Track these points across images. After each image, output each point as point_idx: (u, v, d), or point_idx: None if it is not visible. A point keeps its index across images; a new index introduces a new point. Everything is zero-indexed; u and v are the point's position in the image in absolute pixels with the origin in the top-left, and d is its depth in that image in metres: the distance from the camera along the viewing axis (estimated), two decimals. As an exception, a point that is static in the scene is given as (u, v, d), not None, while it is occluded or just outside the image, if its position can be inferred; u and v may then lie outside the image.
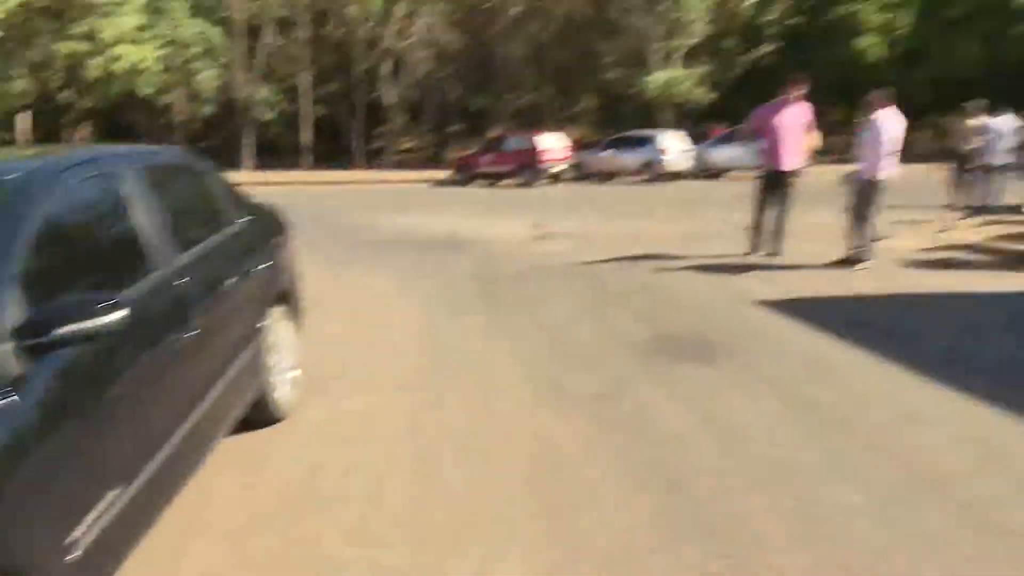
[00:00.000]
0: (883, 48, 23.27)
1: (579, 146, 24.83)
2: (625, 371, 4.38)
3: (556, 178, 22.41)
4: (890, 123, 7.12)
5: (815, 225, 9.10)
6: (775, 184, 7.78)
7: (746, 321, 5.45)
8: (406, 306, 6.29)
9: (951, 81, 24.19)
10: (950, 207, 12.16)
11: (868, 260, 7.23)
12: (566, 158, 22.96)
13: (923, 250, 8.41)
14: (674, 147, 22.26)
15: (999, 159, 11.30)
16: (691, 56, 26.90)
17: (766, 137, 7.75)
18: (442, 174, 25.65)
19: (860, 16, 23.01)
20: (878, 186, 7.11)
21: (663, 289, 6.64)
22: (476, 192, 20.57)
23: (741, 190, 8.40)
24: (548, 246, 9.51)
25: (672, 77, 25.67)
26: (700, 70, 25.86)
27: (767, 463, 3.12)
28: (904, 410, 3.69)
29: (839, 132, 32.26)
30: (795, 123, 7.71)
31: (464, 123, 38.65)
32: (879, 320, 5.43)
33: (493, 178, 22.94)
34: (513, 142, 23.25)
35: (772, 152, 7.73)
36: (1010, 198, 11.35)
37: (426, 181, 24.63)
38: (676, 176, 22.16)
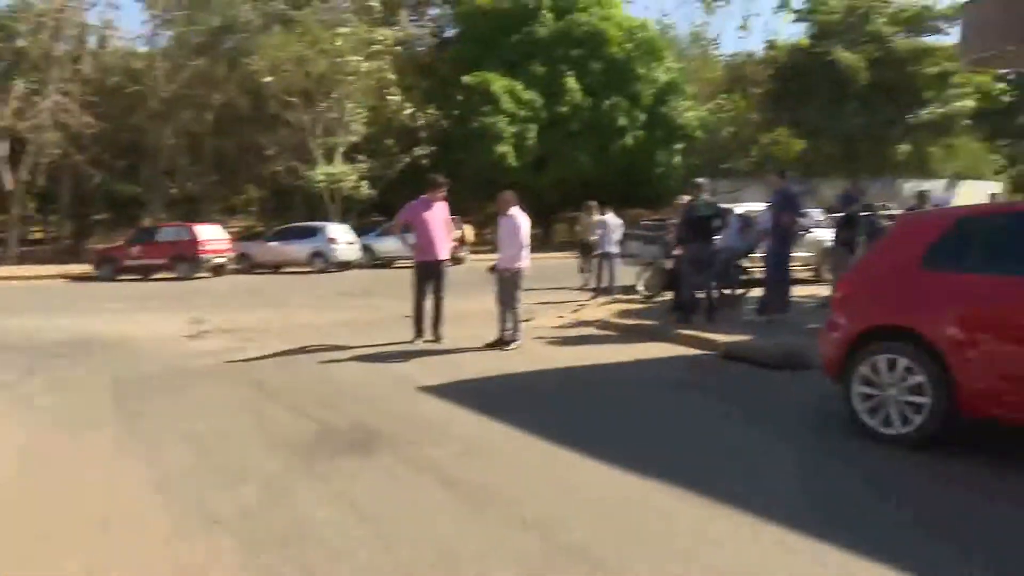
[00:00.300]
0: (519, 155, 26.66)
1: (245, 237, 23.74)
2: (281, 476, 4.05)
3: (218, 270, 20.99)
4: (523, 219, 8.00)
5: (471, 311, 9.76)
6: (429, 274, 8.22)
7: (410, 408, 5.50)
8: (10, 427, 5.14)
9: (574, 183, 28.62)
10: (581, 288, 14.15)
11: (517, 340, 7.90)
12: (228, 249, 21.71)
13: (562, 327, 9.52)
14: (343, 237, 22.49)
15: (613, 248, 13.37)
16: (354, 152, 27.78)
17: (417, 231, 8.19)
18: (82, 268, 22.34)
19: (498, 127, 26.15)
20: (519, 275, 7.88)
21: (328, 382, 6.44)
22: (123, 288, 18.24)
23: (408, 278, 8.68)
24: (205, 343, 8.70)
25: (334, 172, 26.18)
26: (361, 167, 26.78)
27: (427, 557, 3.06)
28: (557, 484, 3.96)
29: (492, 226, 36.05)
30: (440, 218, 8.29)
31: (111, 212, 34.55)
32: (530, 396, 5.90)
33: (144, 272, 20.65)
34: (167, 232, 21.32)
35: (424, 245, 8.18)
36: (624, 280, 13.55)
37: (63, 276, 21.20)
38: (346, 266, 22.31)
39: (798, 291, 9.94)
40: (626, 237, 15.03)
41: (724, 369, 7.06)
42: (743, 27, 34.14)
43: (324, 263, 21.83)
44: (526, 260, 7.94)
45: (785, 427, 4.93)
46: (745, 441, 4.63)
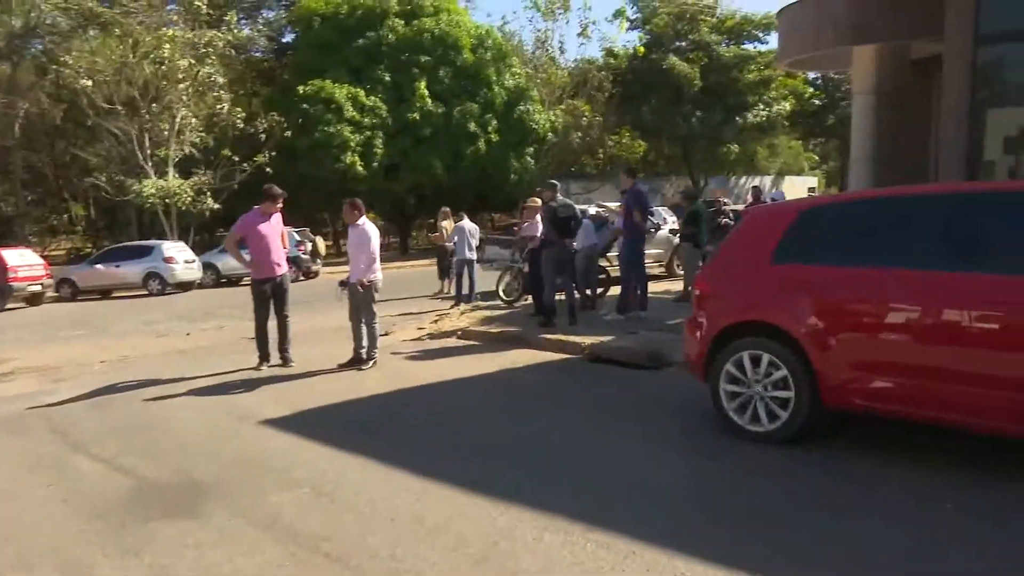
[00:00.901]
0: (367, 163, 25.85)
1: (71, 260, 21.24)
2: (81, 553, 3.32)
3: (34, 299, 18.61)
4: (372, 229, 7.49)
5: (325, 327, 9.09)
6: (270, 291, 7.50)
7: (250, 449, 4.84)
8: None
9: (428, 189, 28.18)
10: (439, 296, 13.76)
11: (374, 358, 7.36)
12: (45, 275, 19.31)
13: (421, 340, 9.07)
14: (180, 256, 20.69)
15: (471, 255, 13.08)
16: (190, 164, 25.76)
17: (252, 246, 7.44)
18: None
19: (341, 136, 25.22)
20: (372, 287, 7.36)
21: (151, 426, 5.58)
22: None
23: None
24: (5, 387, 7.44)
25: (167, 186, 24.13)
26: (199, 179, 24.89)
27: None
28: (417, 527, 3.52)
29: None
30: (276, 231, 7.61)
31: None
32: (387, 422, 5.40)
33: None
34: (-37, 261, 18.58)
35: (262, 260, 7.45)
36: (485, 286, 13.30)
37: None
38: (187, 287, 20.56)
39: (652, 287, 10.07)
40: (483, 242, 14.83)
41: (590, 372, 6.92)
42: (583, 34, 35.51)
43: (161, 285, 19.96)
44: (378, 271, 7.43)
45: (653, 429, 4.78)
46: (614, 449, 4.42)
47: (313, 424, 5.29)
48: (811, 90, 41.77)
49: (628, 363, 7.08)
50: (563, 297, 9.22)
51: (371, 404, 5.93)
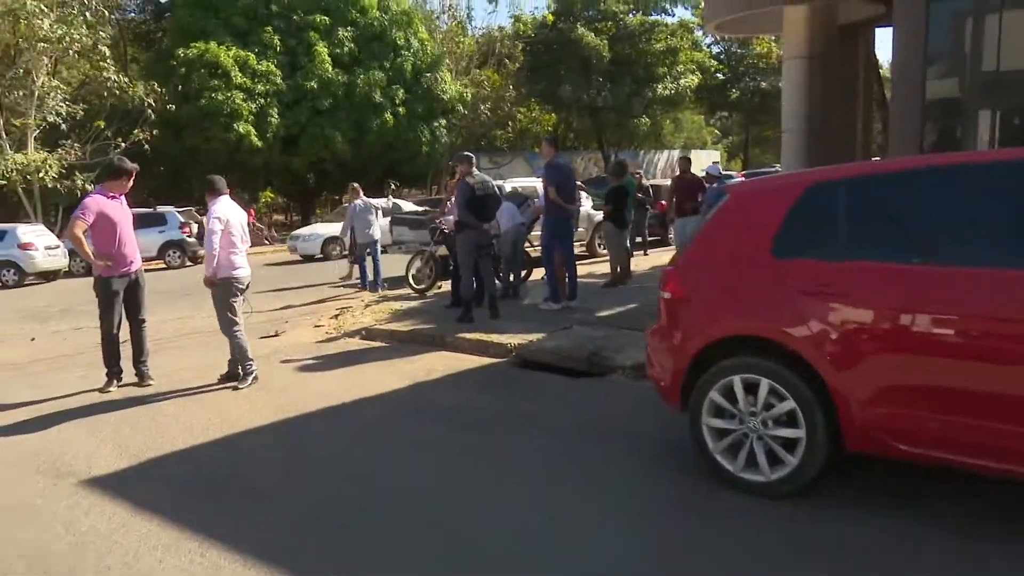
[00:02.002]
0: (262, 134, 23.67)
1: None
2: None
3: None
4: (233, 212, 6.01)
5: (204, 329, 7.60)
6: (120, 292, 5.98)
7: (43, 538, 3.44)
8: None
9: (331, 164, 26.24)
10: (348, 283, 12.31)
11: (250, 372, 5.96)
12: None
13: (319, 343, 7.72)
14: (41, 242, 18.14)
15: (372, 234, 11.63)
16: (56, 137, 22.84)
17: (100, 236, 5.87)
18: None
19: (232, 104, 22.91)
20: (230, 286, 5.91)
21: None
22: None
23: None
24: None
25: (27, 161, 21.24)
26: (64, 152, 22.08)
27: None
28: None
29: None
30: (128, 216, 6.09)
31: None
32: (255, 474, 4.10)
33: None
34: None
35: (113, 253, 5.90)
36: (393, 271, 11.98)
37: None
38: (51, 276, 18.10)
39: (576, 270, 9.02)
40: (392, 222, 13.48)
41: (519, 381, 5.81)
42: (492, 1, 34.04)
43: (17, 276, 17.44)
44: (239, 266, 5.96)
45: (609, 474, 3.72)
46: (563, 509, 3.33)
47: (152, 485, 3.92)
48: (715, 63, 41.94)
49: (563, 369, 6.04)
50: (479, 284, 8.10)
51: (236, 446, 4.52)
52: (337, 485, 3.79)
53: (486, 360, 6.47)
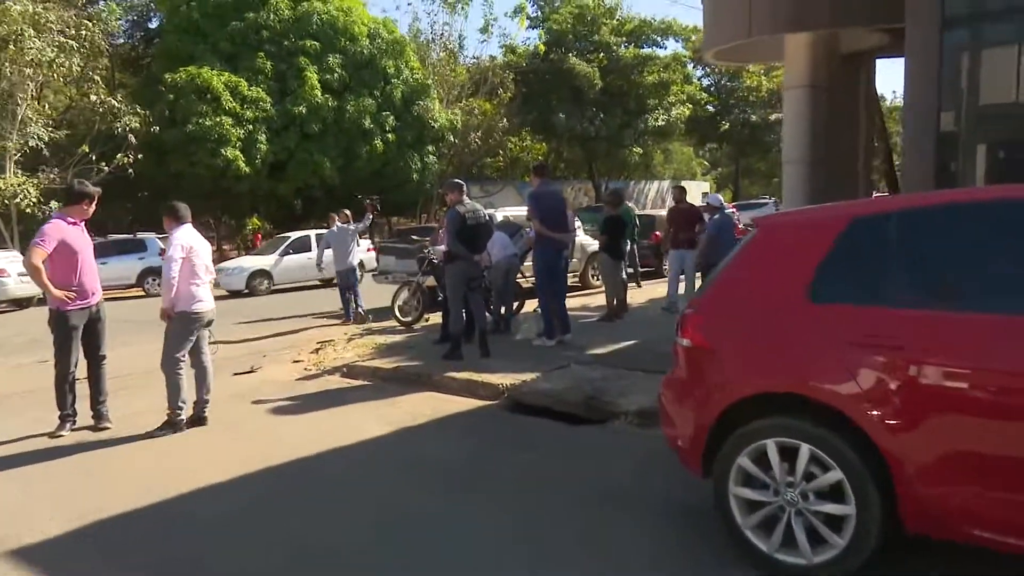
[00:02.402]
0: (250, 160, 23.25)
1: None
2: None
3: None
4: (197, 241, 5.54)
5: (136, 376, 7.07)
6: (79, 325, 5.46)
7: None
8: None
9: (316, 190, 25.82)
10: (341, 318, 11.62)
11: (176, 423, 5.37)
12: None
13: (296, 381, 7.20)
14: (13, 268, 17.50)
15: (350, 261, 11.12)
16: (36, 161, 22.33)
17: (59, 265, 5.36)
18: None
19: (221, 129, 22.52)
20: (188, 322, 5.40)
21: None
22: None
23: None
24: None
25: (3, 186, 20.71)
26: (44, 177, 21.56)
27: None
28: None
29: (231, 241, 31.68)
30: (89, 244, 5.60)
31: None
32: (199, 545, 3.57)
33: None
34: None
35: (73, 284, 5.39)
36: (379, 301, 11.50)
37: None
38: (25, 303, 17.45)
39: (569, 302, 8.54)
40: (378, 251, 13.07)
41: (511, 429, 5.32)
42: (484, 31, 34.06)
43: (-11, 302, 16.82)
44: (200, 299, 5.44)
45: (610, 547, 3.22)
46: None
47: (85, 557, 3.39)
48: (706, 95, 42.14)
49: (559, 413, 5.56)
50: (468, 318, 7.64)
51: (186, 510, 3.92)
52: (298, 569, 3.27)
53: (476, 403, 5.97)
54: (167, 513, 3.90)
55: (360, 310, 10.86)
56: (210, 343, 5.72)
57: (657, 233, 15.10)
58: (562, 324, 7.85)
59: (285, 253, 17.91)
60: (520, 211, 13.29)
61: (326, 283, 17.38)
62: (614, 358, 6.97)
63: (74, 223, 5.48)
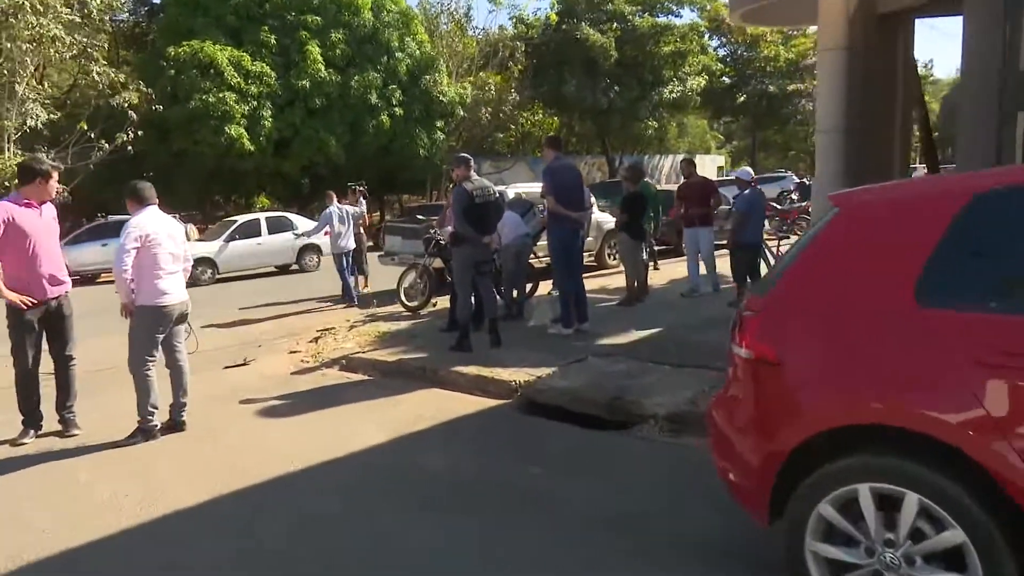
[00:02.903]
0: (254, 137, 22.57)
1: None
2: None
3: None
4: (161, 225, 4.86)
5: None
6: (34, 320, 4.87)
7: None
8: None
9: (322, 167, 25.16)
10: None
11: (148, 429, 4.77)
12: None
13: (292, 373, 6.63)
14: None
15: (347, 244, 10.87)
16: (34, 140, 21.77)
17: (12, 253, 4.77)
18: None
19: (225, 105, 21.81)
20: (148, 317, 4.78)
21: None
22: None
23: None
24: None
25: (4, 165, 20.16)
26: (41, 157, 20.95)
27: None
28: None
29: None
30: (52, 229, 5.01)
31: None
32: None
33: None
34: None
35: (29, 275, 4.81)
36: (384, 283, 10.92)
37: None
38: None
39: (585, 284, 7.88)
40: (384, 231, 12.49)
41: (525, 435, 4.71)
42: (495, 1, 32.98)
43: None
44: (167, 292, 4.79)
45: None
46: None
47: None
48: (722, 67, 40.93)
49: (578, 416, 4.95)
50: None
51: (149, 545, 3.38)
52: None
53: (485, 402, 5.37)
54: (123, 548, 3.33)
55: (355, 293, 10.73)
56: (188, 341, 5.14)
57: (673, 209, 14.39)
58: (580, 310, 7.21)
59: (231, 239, 16.36)
60: (533, 188, 12.60)
61: (282, 269, 16.84)
62: (637, 349, 6.34)
63: (29, 204, 4.87)
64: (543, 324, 7.46)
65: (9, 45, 21.11)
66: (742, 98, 42.24)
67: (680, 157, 39.99)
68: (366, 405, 5.47)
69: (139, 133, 21.76)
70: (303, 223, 17.08)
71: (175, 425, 4.91)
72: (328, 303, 11.03)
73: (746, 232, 8.05)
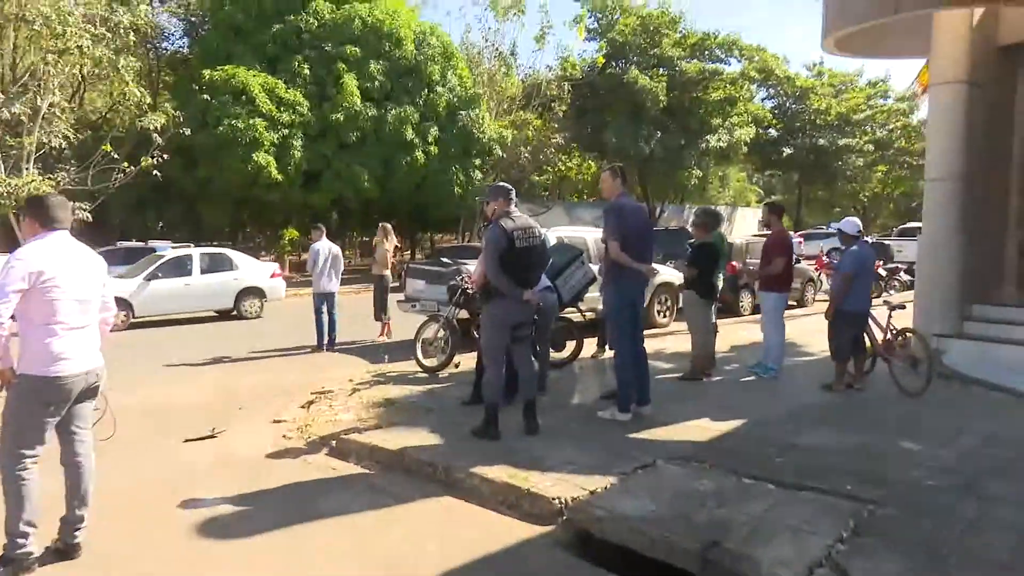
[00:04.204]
0: (282, 167, 21.56)
1: None
2: None
3: None
4: (68, 260, 3.35)
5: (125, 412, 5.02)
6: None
7: None
8: None
9: (354, 203, 24.07)
10: (375, 343, 9.62)
11: (18, 559, 3.21)
12: None
13: (266, 456, 5.10)
14: None
15: (329, 286, 9.94)
16: (54, 159, 21.05)
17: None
18: None
19: (254, 131, 20.86)
20: (54, 389, 3.24)
21: None
22: None
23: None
24: None
25: (21, 184, 19.34)
26: (62, 177, 20.15)
27: None
28: None
29: (256, 254, 30.13)
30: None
31: None
32: None
33: None
34: None
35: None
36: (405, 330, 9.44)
37: None
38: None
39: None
40: (406, 273, 11.09)
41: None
42: (539, 40, 32.10)
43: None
44: (61, 357, 3.23)
45: None
46: None
47: None
48: (770, 118, 39.55)
49: (656, 565, 3.33)
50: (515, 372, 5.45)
51: None
52: None
53: (516, 528, 3.77)
54: None
55: (332, 342, 9.91)
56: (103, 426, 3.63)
57: (734, 264, 12.78)
58: (640, 389, 5.61)
59: (152, 277, 13.57)
60: (577, 232, 11.12)
61: (224, 315, 14.33)
62: (724, 451, 4.71)
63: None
64: (587, 401, 5.87)
65: (33, 54, 20.51)
66: (789, 151, 40.68)
67: (722, 208, 38.42)
68: (348, 522, 3.89)
69: (164, 157, 20.92)
70: (246, 262, 15.04)
71: (66, 550, 3.37)
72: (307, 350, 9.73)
73: (850, 297, 6.41)
